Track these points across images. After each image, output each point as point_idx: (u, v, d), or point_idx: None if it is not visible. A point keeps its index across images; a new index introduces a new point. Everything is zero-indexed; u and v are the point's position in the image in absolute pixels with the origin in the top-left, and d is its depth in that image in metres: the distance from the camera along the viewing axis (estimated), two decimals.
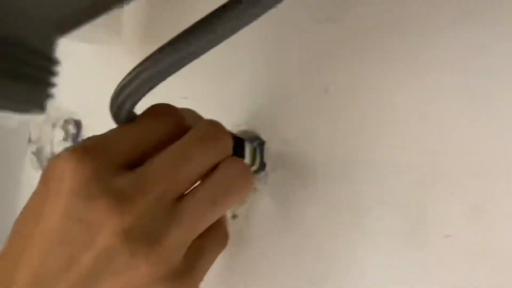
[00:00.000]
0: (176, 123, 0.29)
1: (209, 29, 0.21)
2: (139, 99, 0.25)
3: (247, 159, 0.40)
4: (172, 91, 0.50)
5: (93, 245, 0.23)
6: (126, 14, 0.45)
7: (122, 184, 0.24)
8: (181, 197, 0.27)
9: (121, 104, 0.25)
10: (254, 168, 0.42)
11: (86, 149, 0.25)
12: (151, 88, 0.24)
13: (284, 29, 0.41)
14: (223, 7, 0.22)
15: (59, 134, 0.62)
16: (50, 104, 0.65)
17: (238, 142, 0.39)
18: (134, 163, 0.26)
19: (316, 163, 0.39)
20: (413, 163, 0.34)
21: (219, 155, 0.29)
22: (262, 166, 0.42)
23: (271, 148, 0.42)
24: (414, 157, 0.34)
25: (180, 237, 0.25)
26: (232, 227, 0.43)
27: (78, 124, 0.60)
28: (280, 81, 0.41)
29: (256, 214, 0.42)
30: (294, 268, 0.39)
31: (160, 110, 0.29)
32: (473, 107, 0.33)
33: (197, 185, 0.28)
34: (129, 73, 0.24)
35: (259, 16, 0.22)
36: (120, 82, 0.24)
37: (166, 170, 0.25)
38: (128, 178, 0.24)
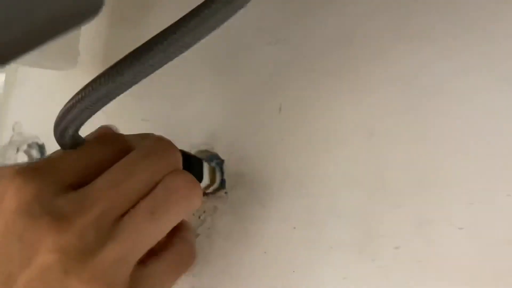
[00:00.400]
0: (120, 147, 0.29)
1: (141, 60, 0.22)
2: (81, 124, 0.25)
3: (206, 179, 0.41)
4: (133, 113, 0.51)
5: (30, 263, 0.23)
6: (82, 39, 0.46)
7: (63, 203, 0.24)
8: (125, 214, 0.26)
9: (63, 130, 0.25)
10: (214, 187, 0.42)
11: (31, 169, 0.25)
12: (91, 114, 0.25)
13: (237, 50, 0.42)
14: (155, 38, 0.23)
15: (22, 158, 0.61)
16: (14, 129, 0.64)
17: (196, 162, 0.39)
18: (79, 185, 0.26)
19: (272, 180, 0.40)
20: (363, 177, 0.36)
21: (164, 169, 0.28)
22: (222, 184, 0.43)
23: (229, 167, 0.43)
24: (364, 171, 0.36)
25: (117, 253, 0.24)
26: None
27: (41, 148, 0.60)
28: (235, 101, 0.42)
29: (217, 232, 0.42)
30: (255, 284, 0.39)
31: (105, 135, 0.30)
32: (417, 122, 0.35)
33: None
34: (70, 100, 0.24)
35: (191, 46, 0.23)
36: (62, 109, 0.25)
37: (107, 188, 0.25)
38: (69, 198, 0.25)
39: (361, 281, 0.35)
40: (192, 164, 0.38)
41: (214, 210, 0.43)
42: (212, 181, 0.42)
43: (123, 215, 0.26)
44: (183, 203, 0.28)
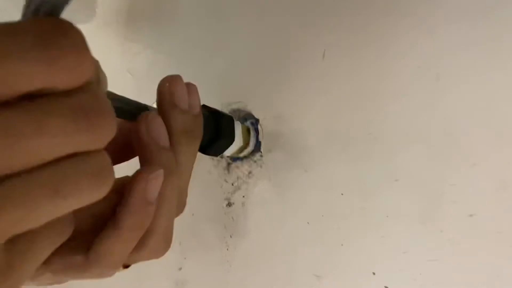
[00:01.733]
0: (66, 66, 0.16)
1: None
2: (63, 4, 0.17)
3: (238, 140, 0.35)
4: (158, 73, 0.46)
5: None
6: None
7: None
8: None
9: (35, 10, 0.16)
10: (248, 149, 0.37)
11: None
12: None
13: None
14: None
15: None
16: None
17: (226, 121, 0.34)
18: None
19: (315, 141, 0.34)
20: (427, 131, 0.29)
21: (87, 144, 0.18)
22: (257, 147, 0.38)
23: (265, 126, 0.37)
24: (426, 125, 0.29)
25: None
26: (227, 215, 0.39)
27: None
28: (271, 49, 0.37)
29: (252, 200, 0.37)
30: (296, 260, 0.34)
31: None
32: (495, 59, 0.28)
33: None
34: None
35: None
36: None
37: None
38: None
39: (426, 255, 0.29)
40: (221, 123, 0.33)
41: (249, 176, 0.38)
42: (246, 143, 0.37)
43: (3, 177, 0.16)
44: (94, 191, 0.18)
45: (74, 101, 0.16)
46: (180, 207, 0.28)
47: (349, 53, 0.33)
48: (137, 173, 0.22)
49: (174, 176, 0.24)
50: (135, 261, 0.25)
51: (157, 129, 0.24)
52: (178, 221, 0.42)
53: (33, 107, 0.16)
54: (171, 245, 0.41)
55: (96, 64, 0.19)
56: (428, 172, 0.29)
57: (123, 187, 0.24)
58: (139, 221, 0.23)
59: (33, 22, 0.16)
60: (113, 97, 0.25)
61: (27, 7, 0.16)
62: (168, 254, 0.42)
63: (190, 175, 0.29)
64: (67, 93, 0.17)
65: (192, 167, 0.28)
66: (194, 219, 0.40)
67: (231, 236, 0.38)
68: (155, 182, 0.23)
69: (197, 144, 0.28)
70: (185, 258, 0.41)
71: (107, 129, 0.18)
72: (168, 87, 0.26)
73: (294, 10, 0.35)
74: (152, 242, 0.24)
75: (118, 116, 0.24)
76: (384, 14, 0.31)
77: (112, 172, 0.19)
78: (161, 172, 0.23)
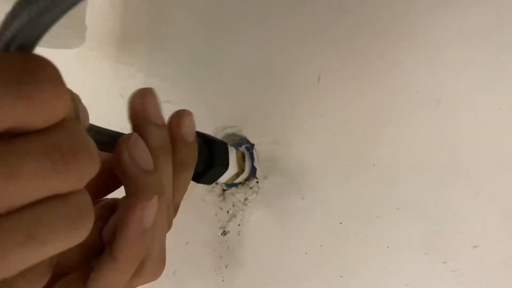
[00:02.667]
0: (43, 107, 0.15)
1: None
2: (40, 33, 0.15)
3: (233, 167, 0.34)
4: None
5: None
6: (88, 14, 0.40)
7: None
8: None
9: (9, 40, 0.15)
10: (243, 176, 0.36)
11: None
12: (54, 17, 0.15)
13: (266, 9, 0.35)
14: None
15: None
16: None
17: (220, 147, 0.33)
18: None
19: (313, 167, 0.33)
20: (430, 157, 0.28)
21: (66, 186, 0.16)
22: (253, 172, 0.37)
23: (261, 152, 0.36)
24: (427, 152, 0.28)
25: None
26: (222, 244, 0.37)
27: None
28: (266, 73, 0.36)
29: (249, 228, 0.36)
30: None
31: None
32: (498, 85, 0.27)
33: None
34: None
35: None
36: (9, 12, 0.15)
37: None
38: None
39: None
40: (215, 150, 0.32)
41: (244, 203, 0.36)
42: (241, 169, 0.35)
43: None
44: (72, 235, 0.17)
45: (50, 141, 0.15)
46: (169, 225, 0.27)
47: (345, 77, 0.32)
48: (131, 202, 0.21)
49: (163, 198, 0.23)
50: (133, 287, 0.24)
51: (141, 153, 0.23)
52: (172, 250, 0.41)
53: (5, 149, 0.15)
54: (166, 274, 0.39)
55: (75, 98, 0.18)
56: (430, 200, 0.28)
57: (110, 213, 0.24)
58: (137, 251, 0.22)
59: (5, 57, 0.15)
60: (95, 129, 0.24)
61: None
62: (162, 284, 0.41)
63: (184, 192, 0.27)
64: (43, 132, 0.15)
65: (186, 185, 0.26)
66: (189, 248, 0.39)
67: (226, 267, 0.36)
68: (151, 210, 0.22)
69: (192, 170, 0.27)
70: None
71: (88, 168, 0.16)
72: (141, 103, 0.24)
73: (288, 34, 0.34)
74: (149, 266, 0.24)
75: (100, 149, 0.23)
76: (380, 38, 0.31)
77: (92, 213, 0.17)
78: (156, 199, 0.22)
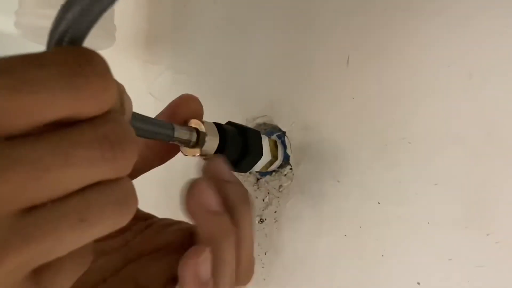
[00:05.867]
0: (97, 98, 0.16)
1: None
2: (87, 28, 0.16)
3: (267, 155, 0.35)
4: (180, 93, 0.46)
5: None
6: (117, 17, 0.41)
7: None
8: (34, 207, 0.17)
9: (61, 36, 0.16)
10: (277, 163, 0.37)
11: None
12: (100, 10, 0.16)
13: None
14: None
15: None
16: None
17: (253, 136, 0.34)
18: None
19: (346, 150, 0.33)
20: (464, 132, 0.28)
21: (113, 172, 0.18)
22: (286, 160, 0.37)
23: (292, 139, 0.36)
24: (462, 125, 0.28)
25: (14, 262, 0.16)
26: (260, 232, 0.38)
27: None
28: (293, 60, 0.36)
29: (285, 215, 0.36)
30: (336, 274, 0.33)
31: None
32: None
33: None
34: None
35: None
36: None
37: (22, 167, 0.15)
38: None
39: (473, 261, 0.28)
40: (248, 139, 0.32)
41: (279, 190, 0.37)
42: (274, 156, 0.36)
43: (31, 207, 0.17)
44: (117, 219, 0.18)
45: (99, 131, 0.16)
46: (248, 275, 0.27)
47: (374, 57, 0.32)
48: (186, 256, 0.23)
49: (231, 238, 0.24)
50: None
51: (208, 198, 0.24)
52: None
53: (60, 138, 0.16)
54: None
55: (120, 89, 0.19)
56: (468, 173, 0.28)
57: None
58: None
59: (57, 52, 0.16)
60: (138, 117, 0.24)
61: (50, 37, 0.16)
62: None
63: (253, 242, 0.27)
64: (92, 122, 0.16)
65: (253, 232, 0.27)
66: None
67: (265, 253, 0.37)
68: (205, 264, 0.23)
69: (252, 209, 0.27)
70: None
71: (131, 157, 0.17)
72: (213, 169, 0.26)
73: (314, 18, 0.35)
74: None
75: (142, 136, 0.24)
76: (408, 15, 0.31)
77: (136, 199, 0.19)
78: (207, 252, 0.23)
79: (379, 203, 0.31)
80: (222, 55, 0.42)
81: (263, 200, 0.38)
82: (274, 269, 0.36)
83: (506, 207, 0.27)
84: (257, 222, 0.38)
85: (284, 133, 0.37)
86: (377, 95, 0.32)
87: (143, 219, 0.29)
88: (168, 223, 0.28)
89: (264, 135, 0.35)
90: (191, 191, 0.24)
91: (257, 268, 0.37)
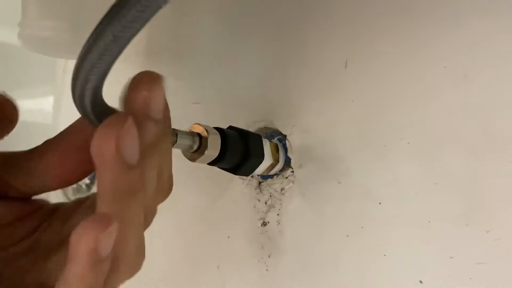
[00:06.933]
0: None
1: None
2: (98, 87, 0.17)
3: (268, 158, 0.35)
4: (181, 99, 0.47)
5: None
6: None
7: None
8: None
9: (80, 98, 0.17)
10: (278, 166, 0.37)
11: None
12: (105, 70, 0.17)
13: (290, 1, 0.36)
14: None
15: None
16: None
17: (255, 140, 0.34)
18: None
19: (346, 152, 0.34)
20: (461, 132, 0.29)
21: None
22: (287, 163, 0.37)
23: (293, 141, 0.37)
24: (460, 125, 0.29)
25: None
26: (263, 235, 0.38)
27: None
28: (291, 64, 0.37)
29: (288, 217, 0.37)
30: (339, 274, 0.34)
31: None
32: None
33: None
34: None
35: None
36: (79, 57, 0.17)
37: None
38: None
39: (475, 259, 0.28)
40: (250, 142, 0.33)
41: (281, 193, 0.37)
42: (276, 159, 0.36)
43: None
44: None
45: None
46: (147, 223, 0.23)
47: (372, 60, 0.33)
48: (81, 227, 0.17)
49: (139, 195, 0.19)
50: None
51: (130, 145, 0.18)
52: (214, 245, 0.42)
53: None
54: (211, 270, 0.40)
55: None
56: (467, 172, 0.28)
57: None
58: (93, 280, 0.18)
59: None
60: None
61: (73, 95, 0.18)
62: (207, 279, 0.42)
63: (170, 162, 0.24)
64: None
65: (170, 151, 0.23)
66: (231, 242, 0.40)
67: (269, 256, 0.37)
68: (108, 239, 0.17)
69: (169, 153, 0.23)
70: (224, 282, 0.40)
71: None
72: (147, 97, 0.20)
73: (312, 22, 0.35)
74: (122, 268, 0.20)
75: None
76: (403, 18, 0.31)
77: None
78: (115, 226, 0.17)
79: (380, 203, 0.32)
80: (222, 61, 0.43)
81: (266, 203, 0.38)
82: (278, 272, 0.37)
83: (505, 204, 0.27)
84: (260, 225, 0.38)
85: (285, 136, 0.38)
86: (376, 97, 0.32)
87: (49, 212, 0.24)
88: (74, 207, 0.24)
89: (265, 139, 0.36)
90: (104, 130, 0.18)
91: (261, 271, 0.37)
